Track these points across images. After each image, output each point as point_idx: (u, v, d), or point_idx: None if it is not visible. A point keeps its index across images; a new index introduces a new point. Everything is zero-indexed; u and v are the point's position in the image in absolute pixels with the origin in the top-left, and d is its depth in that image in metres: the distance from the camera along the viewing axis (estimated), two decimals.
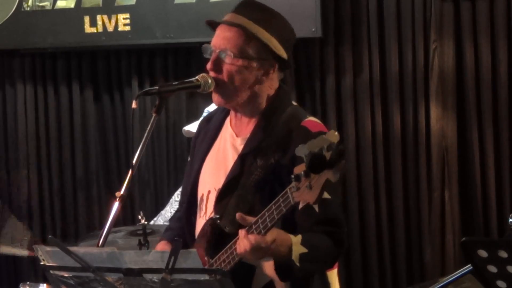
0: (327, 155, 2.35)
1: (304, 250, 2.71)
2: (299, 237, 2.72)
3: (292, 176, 2.46)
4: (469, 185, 5.01)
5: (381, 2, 5.10)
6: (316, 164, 2.37)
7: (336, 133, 2.37)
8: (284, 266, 2.74)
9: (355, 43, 5.18)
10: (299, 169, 2.44)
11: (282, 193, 2.54)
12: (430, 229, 5.06)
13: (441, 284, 2.69)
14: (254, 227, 2.63)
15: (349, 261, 5.17)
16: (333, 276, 3.06)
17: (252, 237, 2.63)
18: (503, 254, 2.19)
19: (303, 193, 2.45)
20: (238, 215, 2.68)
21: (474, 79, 4.95)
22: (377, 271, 5.19)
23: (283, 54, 2.94)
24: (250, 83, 2.90)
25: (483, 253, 2.22)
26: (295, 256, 2.70)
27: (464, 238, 2.27)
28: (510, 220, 3.71)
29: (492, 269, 2.23)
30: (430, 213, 5.05)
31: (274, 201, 2.57)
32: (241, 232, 2.66)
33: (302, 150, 2.40)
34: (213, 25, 2.97)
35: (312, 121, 2.94)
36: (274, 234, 2.66)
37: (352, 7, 5.16)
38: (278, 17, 2.96)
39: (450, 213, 5.03)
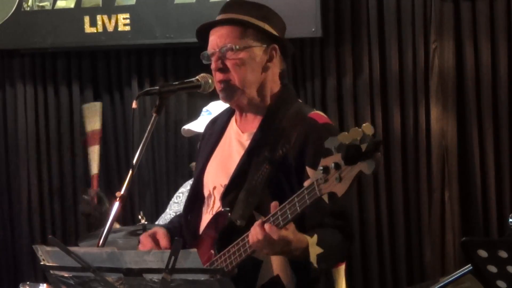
0: (363, 146, 2.33)
1: (320, 250, 2.71)
2: (315, 237, 2.71)
3: (321, 167, 2.43)
4: (469, 185, 5.01)
5: (381, 2, 5.10)
6: (352, 155, 2.33)
7: (371, 126, 2.34)
8: (301, 266, 2.74)
9: (355, 43, 5.18)
10: (328, 160, 2.41)
11: (307, 185, 2.51)
12: (430, 229, 5.06)
13: (441, 284, 2.69)
14: (272, 219, 2.62)
15: (349, 261, 5.16)
16: (338, 272, 3.06)
17: (267, 226, 2.61)
18: (503, 254, 2.19)
19: (331, 185, 2.42)
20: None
21: (474, 79, 4.95)
22: (377, 271, 5.19)
23: (281, 36, 2.97)
24: (257, 72, 2.92)
25: (483, 253, 2.22)
26: (312, 258, 2.71)
27: (464, 238, 2.27)
28: (510, 220, 3.70)
29: (492, 269, 2.23)
30: (430, 213, 5.05)
31: (297, 193, 2.54)
32: (257, 222, 2.66)
33: (332, 142, 2.37)
34: (204, 34, 2.99)
35: (318, 114, 2.96)
36: (291, 234, 2.64)
37: (352, 7, 5.17)
38: (265, 7, 3.01)
39: (450, 213, 5.02)
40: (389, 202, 5.13)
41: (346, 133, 2.34)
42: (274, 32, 2.95)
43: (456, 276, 2.63)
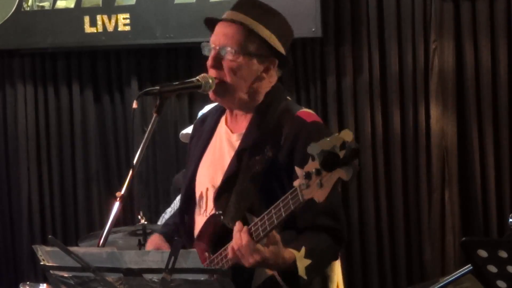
0: (341, 153, 2.34)
1: (308, 262, 2.72)
2: (303, 250, 2.71)
3: (303, 173, 2.45)
4: (469, 185, 5.02)
5: (381, 2, 5.11)
6: (329, 162, 2.35)
7: (351, 132, 2.35)
8: (290, 277, 2.74)
9: (355, 43, 5.18)
10: (310, 166, 2.42)
11: (291, 191, 2.51)
12: (430, 229, 5.06)
13: (441, 284, 2.69)
14: (259, 223, 2.62)
15: (349, 261, 5.17)
16: (330, 268, 3.05)
17: (245, 237, 2.62)
18: (503, 254, 2.19)
19: (313, 191, 2.44)
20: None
21: (474, 79, 4.96)
22: (377, 271, 5.19)
23: (282, 51, 2.94)
24: (251, 80, 2.91)
25: (483, 253, 2.22)
26: (301, 271, 2.71)
27: (464, 238, 2.27)
28: (510, 220, 3.70)
29: (492, 269, 2.23)
30: (430, 213, 5.06)
31: (281, 199, 2.55)
32: (238, 225, 2.66)
33: (314, 148, 2.38)
34: (211, 24, 2.97)
35: (306, 112, 2.95)
36: (271, 248, 2.64)
37: (352, 7, 5.17)
38: (277, 14, 2.97)
39: (450, 213, 5.03)
40: (389, 202, 5.14)
41: (328, 139, 2.36)
42: (278, 45, 2.91)
43: (456, 276, 2.63)
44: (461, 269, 2.57)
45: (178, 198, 4.65)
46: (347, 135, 2.34)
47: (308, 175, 2.43)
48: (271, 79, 2.96)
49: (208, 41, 2.94)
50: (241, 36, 2.89)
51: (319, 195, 2.43)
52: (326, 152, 2.35)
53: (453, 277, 2.64)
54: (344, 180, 2.37)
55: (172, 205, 4.67)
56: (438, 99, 5.01)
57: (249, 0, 2.98)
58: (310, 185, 2.44)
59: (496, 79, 4.92)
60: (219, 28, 2.92)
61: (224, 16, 2.95)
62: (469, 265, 2.40)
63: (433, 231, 5.05)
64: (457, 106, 5.01)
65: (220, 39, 2.90)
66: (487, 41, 4.92)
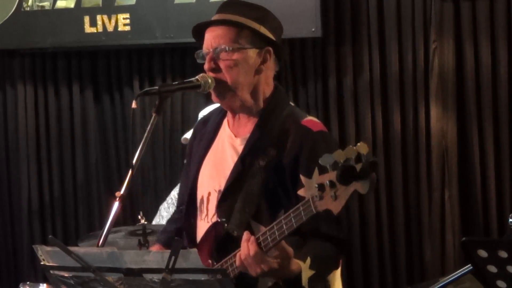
0: (357, 166, 2.33)
1: (312, 272, 2.72)
2: (308, 261, 2.72)
3: (316, 185, 2.44)
4: (469, 185, 5.01)
5: (381, 2, 5.10)
6: (347, 175, 2.34)
7: (366, 144, 2.34)
8: (293, 285, 2.75)
9: (355, 43, 5.18)
10: (324, 178, 2.41)
11: (303, 202, 2.50)
12: (430, 229, 5.06)
13: (441, 284, 2.70)
14: (268, 233, 2.61)
15: (349, 261, 5.17)
16: (333, 275, 3.05)
17: (252, 248, 2.62)
18: (503, 254, 2.19)
19: (326, 203, 2.42)
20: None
21: (474, 79, 4.95)
22: (377, 271, 5.19)
23: (276, 39, 2.95)
24: (250, 75, 2.91)
25: (483, 253, 2.22)
26: (304, 282, 2.71)
27: (464, 238, 2.27)
28: (510, 220, 3.71)
29: (492, 269, 2.23)
30: (430, 213, 5.06)
31: (293, 209, 2.54)
32: (246, 235, 2.66)
33: (327, 160, 2.37)
34: (200, 33, 2.98)
35: (312, 120, 2.94)
36: (275, 263, 2.64)
37: (352, 7, 5.17)
38: (263, 9, 3.00)
39: (450, 213, 5.03)
40: (389, 202, 5.14)
41: (341, 150, 2.34)
42: (270, 35, 2.93)
43: (456, 276, 2.63)
44: (461, 269, 2.58)
45: (173, 193, 4.65)
46: (363, 147, 2.33)
47: (321, 187, 2.42)
48: (268, 73, 2.96)
49: (200, 50, 2.96)
50: (232, 34, 2.90)
51: (334, 207, 2.42)
52: (342, 165, 2.33)
53: (453, 277, 2.65)
54: (360, 193, 2.36)
55: (169, 200, 4.66)
56: (438, 99, 5.01)
57: (232, 1, 3.00)
58: (324, 197, 2.42)
59: (496, 79, 4.92)
60: (209, 33, 2.95)
61: (212, 19, 2.97)
62: (469, 265, 2.40)
63: (433, 231, 5.05)
64: (457, 106, 5.01)
65: (212, 42, 2.92)
66: (487, 41, 4.91)
